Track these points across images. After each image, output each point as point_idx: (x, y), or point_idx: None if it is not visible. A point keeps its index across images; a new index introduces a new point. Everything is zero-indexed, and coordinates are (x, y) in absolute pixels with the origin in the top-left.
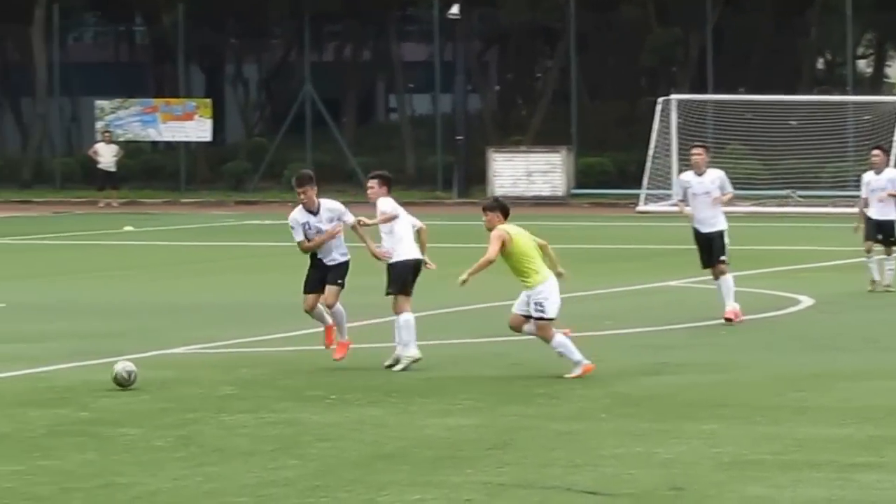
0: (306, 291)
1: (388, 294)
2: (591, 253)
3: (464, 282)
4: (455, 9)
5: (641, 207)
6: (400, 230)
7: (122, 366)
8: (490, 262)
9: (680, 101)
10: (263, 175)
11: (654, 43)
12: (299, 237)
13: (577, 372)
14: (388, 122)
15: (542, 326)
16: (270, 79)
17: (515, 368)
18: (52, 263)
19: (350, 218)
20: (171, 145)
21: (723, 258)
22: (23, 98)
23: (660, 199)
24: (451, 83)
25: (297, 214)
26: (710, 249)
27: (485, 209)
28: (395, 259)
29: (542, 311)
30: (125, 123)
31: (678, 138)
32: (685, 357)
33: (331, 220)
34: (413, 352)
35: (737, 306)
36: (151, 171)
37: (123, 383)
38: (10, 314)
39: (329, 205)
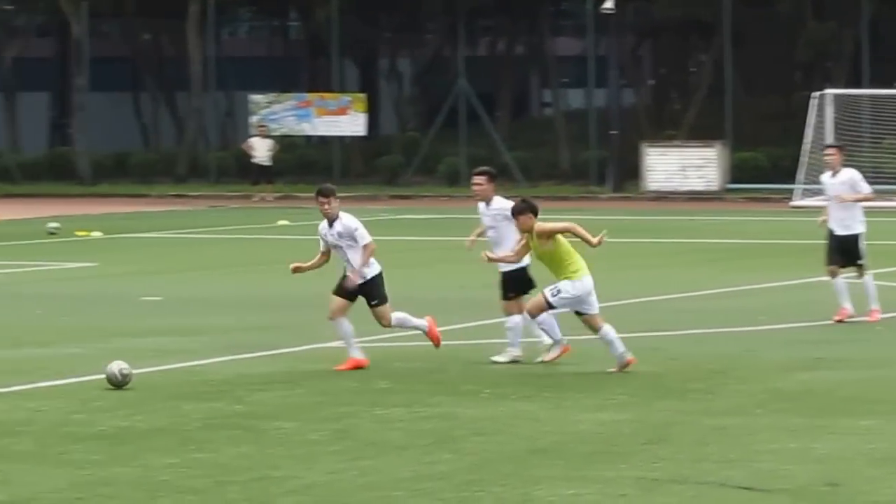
0: (334, 292)
1: (509, 298)
2: (746, 248)
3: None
4: (609, 3)
5: (796, 202)
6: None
7: (118, 366)
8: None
9: (836, 96)
10: (417, 169)
11: (810, 37)
12: (321, 247)
13: (555, 354)
14: (542, 116)
15: (539, 304)
16: (424, 73)
17: (671, 363)
18: (208, 257)
19: (363, 237)
20: (325, 140)
21: (860, 262)
22: (178, 93)
23: (814, 193)
24: (604, 78)
25: (321, 224)
26: (845, 252)
27: (516, 213)
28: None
29: (556, 296)
30: (280, 118)
31: (834, 133)
32: (841, 352)
33: (341, 236)
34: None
35: (878, 306)
36: (306, 165)
37: (116, 383)
38: (166, 308)
39: (346, 220)
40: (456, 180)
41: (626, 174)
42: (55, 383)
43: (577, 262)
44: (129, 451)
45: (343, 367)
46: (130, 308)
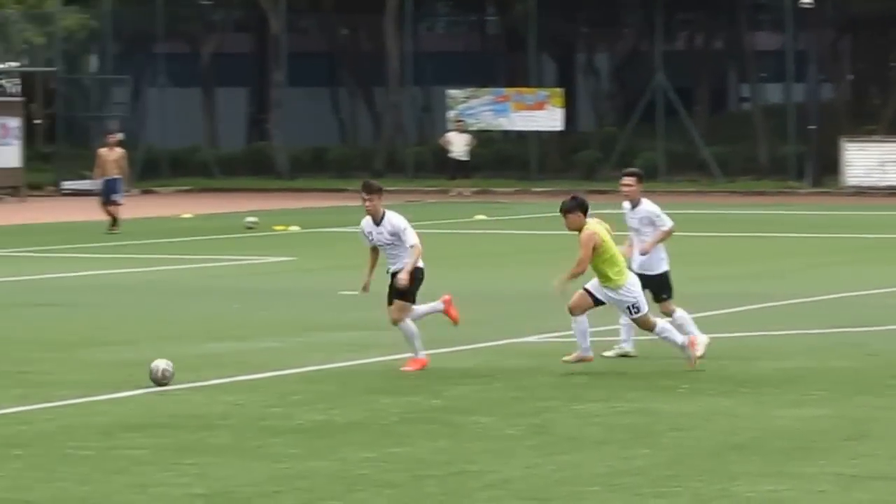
0: (389, 304)
1: (662, 300)
2: None
3: (559, 288)
4: None
5: None
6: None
7: (163, 364)
8: (583, 270)
9: None
10: (614, 164)
11: None
12: (365, 244)
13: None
14: (740, 111)
15: (643, 321)
16: (622, 68)
17: (871, 359)
18: None
19: (410, 238)
20: (522, 134)
21: None
22: (375, 88)
23: None
24: (803, 72)
25: (365, 223)
26: None
27: (565, 211)
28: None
29: (639, 312)
30: (477, 113)
31: None
32: None
33: (392, 234)
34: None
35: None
36: (502, 160)
37: (156, 381)
38: (365, 302)
39: (393, 219)
40: (653, 175)
41: (825, 169)
42: (253, 377)
43: (622, 263)
44: (327, 445)
45: (409, 367)
46: (328, 302)
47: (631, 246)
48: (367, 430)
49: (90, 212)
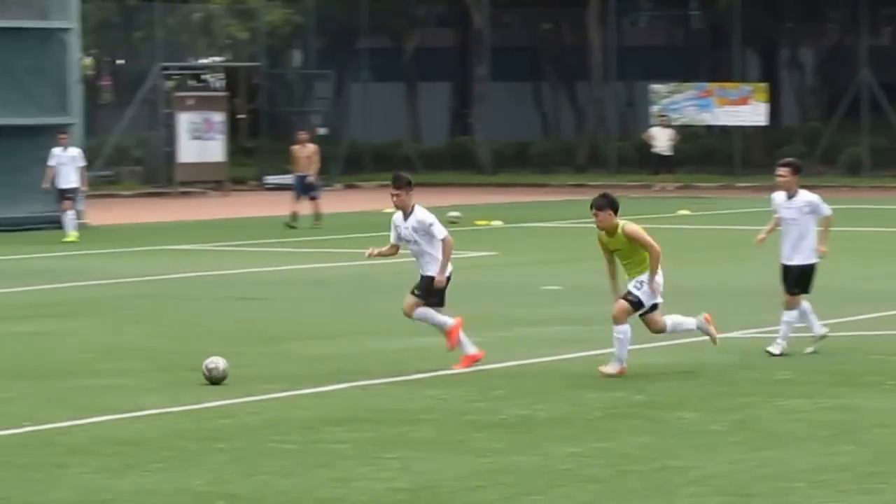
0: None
1: (795, 293)
2: None
3: (655, 292)
4: None
5: None
6: None
7: (212, 362)
8: (659, 254)
9: None
10: (819, 159)
11: None
12: (392, 239)
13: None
14: None
15: (624, 309)
16: (826, 63)
17: None
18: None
19: (439, 231)
20: (725, 129)
21: None
22: (578, 82)
23: None
24: None
25: (396, 216)
26: None
27: (596, 208)
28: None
29: (639, 290)
30: (680, 107)
31: None
32: None
33: (416, 230)
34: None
35: None
36: (706, 155)
37: (209, 378)
38: (565, 297)
39: (420, 214)
40: (857, 170)
41: None
42: (456, 372)
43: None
44: (530, 440)
45: (460, 366)
46: (531, 297)
47: (770, 231)
48: (571, 425)
49: (292, 207)
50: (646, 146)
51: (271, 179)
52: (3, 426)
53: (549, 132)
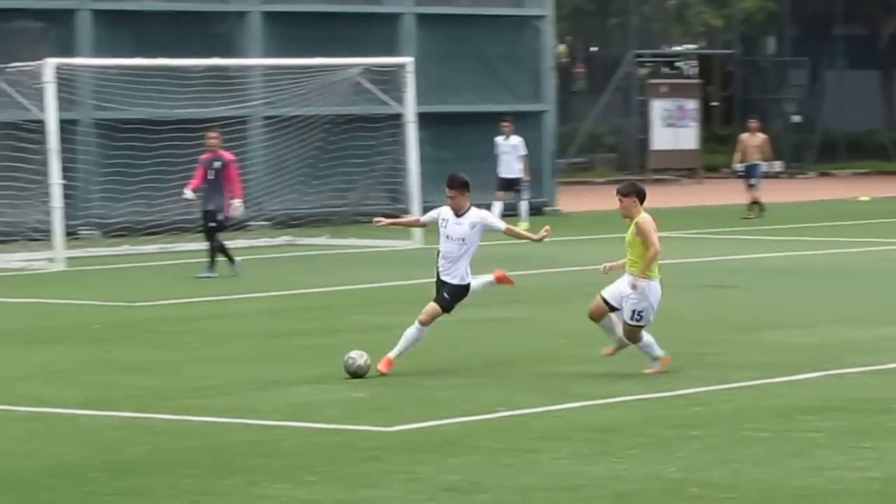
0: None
1: None
2: None
3: (635, 287)
4: None
5: None
6: None
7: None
8: (657, 253)
9: None
10: None
11: None
12: (424, 219)
13: (656, 368)
14: None
15: (633, 331)
16: None
17: None
18: None
19: (500, 224)
20: None
21: None
22: None
23: None
24: None
25: (444, 209)
26: None
27: (622, 195)
28: None
29: (640, 321)
30: None
31: None
32: None
33: (473, 227)
34: None
35: None
36: None
37: (351, 371)
38: None
39: (479, 213)
40: None
41: None
42: None
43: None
44: None
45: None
46: None
47: None
48: None
49: (764, 195)
50: None
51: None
52: (477, 411)
53: None
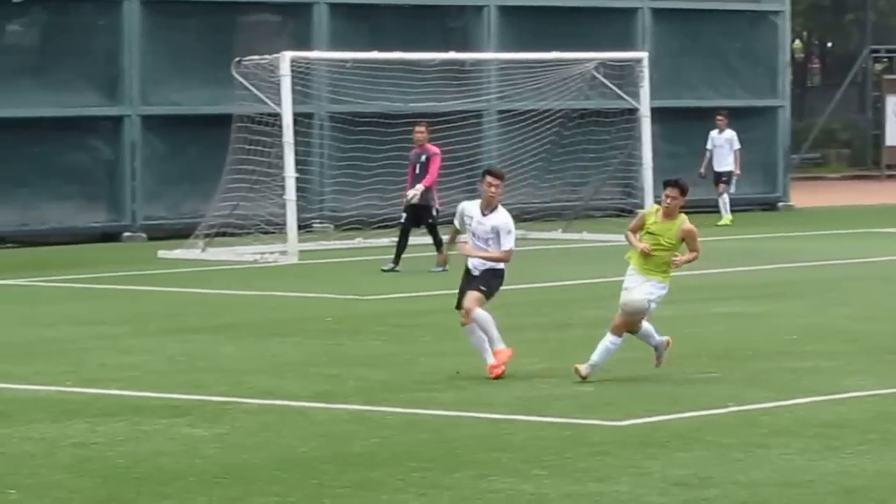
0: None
1: None
2: None
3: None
4: None
5: None
6: None
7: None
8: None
9: None
10: None
11: None
12: (455, 223)
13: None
14: None
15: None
16: None
17: None
18: None
19: (507, 242)
20: None
21: None
22: None
23: None
24: None
25: (469, 206)
26: None
27: (679, 189)
28: None
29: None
30: None
31: None
32: None
33: (493, 229)
34: None
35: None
36: None
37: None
38: None
39: (504, 217)
40: None
41: None
42: None
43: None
44: None
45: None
46: None
47: None
48: None
49: None
50: None
51: None
52: (707, 406)
53: None
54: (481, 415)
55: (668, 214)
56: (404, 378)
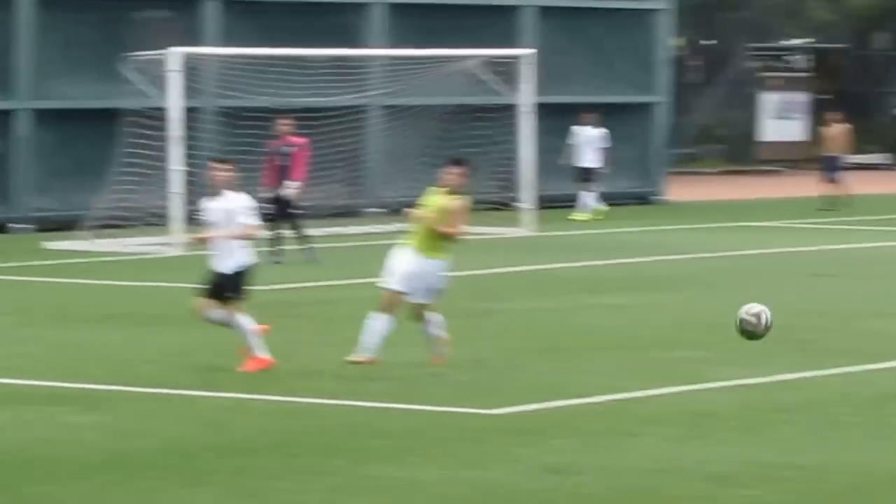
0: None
1: None
2: None
3: None
4: None
5: None
6: None
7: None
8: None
9: None
10: None
11: None
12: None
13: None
14: None
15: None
16: None
17: None
18: None
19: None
20: None
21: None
22: None
23: None
24: None
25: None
26: None
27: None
28: None
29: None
30: None
31: None
32: None
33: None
34: None
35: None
36: None
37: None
38: None
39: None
40: None
41: None
42: None
43: None
44: None
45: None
46: None
47: None
48: None
49: (866, 186)
50: None
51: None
52: (579, 394)
53: None
54: (358, 403)
55: (452, 191)
56: (284, 367)
